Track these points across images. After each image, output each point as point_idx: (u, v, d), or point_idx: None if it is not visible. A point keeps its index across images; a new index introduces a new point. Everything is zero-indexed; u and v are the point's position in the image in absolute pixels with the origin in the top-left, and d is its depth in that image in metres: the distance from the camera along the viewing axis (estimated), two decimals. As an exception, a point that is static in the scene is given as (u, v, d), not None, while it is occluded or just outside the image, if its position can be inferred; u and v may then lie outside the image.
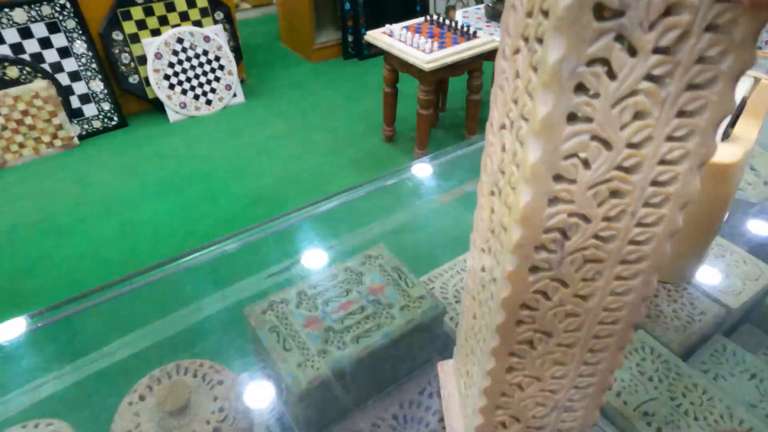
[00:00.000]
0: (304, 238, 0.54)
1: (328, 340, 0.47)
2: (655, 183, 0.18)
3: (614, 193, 0.18)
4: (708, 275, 0.67)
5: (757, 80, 0.52)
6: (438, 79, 2.02)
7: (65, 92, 2.32)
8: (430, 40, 1.94)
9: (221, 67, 2.61)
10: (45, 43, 2.22)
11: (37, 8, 2.16)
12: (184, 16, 2.51)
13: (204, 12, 2.56)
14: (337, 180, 2.16)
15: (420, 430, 0.49)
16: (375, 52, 3.15)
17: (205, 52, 2.56)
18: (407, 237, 0.64)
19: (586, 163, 0.17)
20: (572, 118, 0.16)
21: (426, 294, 0.51)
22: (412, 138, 2.36)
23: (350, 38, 3.17)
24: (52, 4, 2.19)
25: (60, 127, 2.31)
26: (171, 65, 2.48)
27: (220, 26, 2.61)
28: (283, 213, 0.54)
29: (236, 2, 3.90)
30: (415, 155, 2.30)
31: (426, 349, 0.52)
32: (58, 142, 2.33)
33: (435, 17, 2.12)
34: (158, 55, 2.44)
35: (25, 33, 2.17)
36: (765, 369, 0.61)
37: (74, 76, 2.34)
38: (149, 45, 2.42)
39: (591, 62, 0.15)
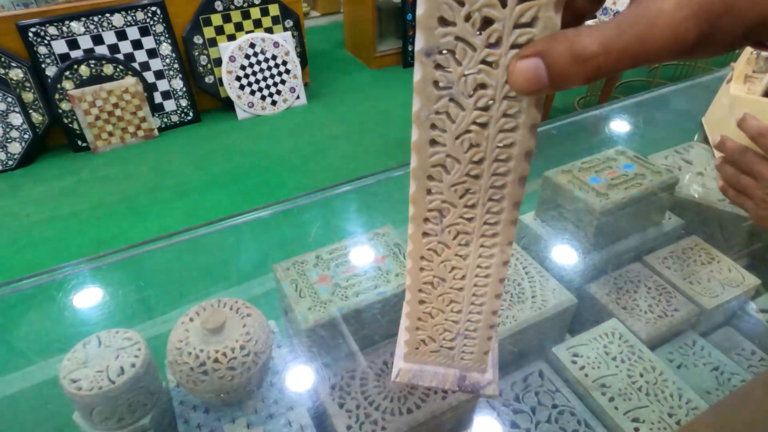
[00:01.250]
0: (327, 213, 0.66)
1: (335, 293, 0.59)
2: (492, 187, 0.29)
3: (468, 191, 0.29)
4: (689, 278, 0.74)
5: None
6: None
7: (150, 89, 2.60)
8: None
9: (287, 71, 2.82)
10: (137, 44, 2.51)
11: (132, 14, 2.44)
12: (257, 23, 2.74)
13: (275, 20, 2.78)
14: (385, 181, 2.30)
15: (403, 373, 0.60)
16: (433, 61, 3.26)
17: (274, 57, 2.77)
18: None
19: (446, 171, 0.28)
20: (433, 143, 0.27)
21: (418, 266, 0.62)
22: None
23: (410, 47, 3.31)
24: (145, 10, 2.47)
25: (143, 119, 2.59)
26: (243, 68, 2.71)
27: (289, 33, 2.82)
28: (312, 190, 0.66)
29: (306, 10, 4.14)
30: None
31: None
32: (140, 133, 2.61)
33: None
34: (232, 58, 2.67)
35: (121, 35, 2.46)
36: (729, 365, 0.68)
37: (159, 75, 2.61)
38: (225, 49, 2.66)
39: (437, 113, 0.26)
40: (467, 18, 0.23)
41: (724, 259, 0.77)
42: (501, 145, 0.27)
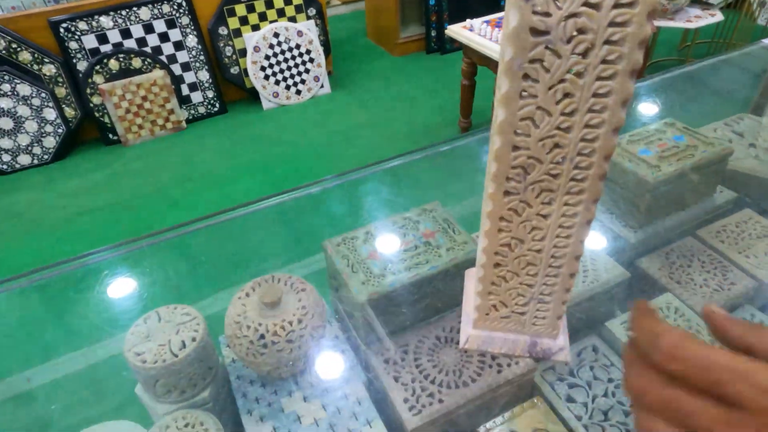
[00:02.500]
0: (372, 191, 0.66)
1: (387, 268, 0.59)
2: (583, 140, 0.28)
3: (557, 145, 0.28)
4: (745, 252, 0.72)
5: None
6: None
7: (177, 81, 2.63)
8: (508, 33, 2.00)
9: (311, 60, 2.82)
10: (163, 37, 2.54)
11: (159, 7, 2.47)
12: (281, 13, 2.74)
13: (299, 8, 2.78)
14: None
15: (454, 347, 0.60)
16: (457, 46, 3.22)
17: (298, 46, 2.77)
18: (468, 200, 0.75)
19: (535, 125, 0.27)
20: (523, 95, 0.27)
21: (469, 240, 0.62)
22: (487, 129, 2.43)
23: (433, 33, 3.27)
24: (171, 3, 2.49)
25: (171, 111, 2.62)
26: (267, 57, 2.72)
27: (312, 22, 2.82)
28: (356, 167, 0.66)
29: (328, -1, 4.13)
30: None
31: (467, 286, 0.62)
32: (169, 125, 2.65)
33: (516, 12, 2.17)
34: (257, 48, 2.68)
35: (148, 29, 2.49)
36: (791, 338, 0.65)
37: (185, 67, 2.64)
38: (249, 39, 2.67)
39: (532, 61, 0.25)
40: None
41: (782, 233, 0.74)
42: (597, 94, 0.26)
